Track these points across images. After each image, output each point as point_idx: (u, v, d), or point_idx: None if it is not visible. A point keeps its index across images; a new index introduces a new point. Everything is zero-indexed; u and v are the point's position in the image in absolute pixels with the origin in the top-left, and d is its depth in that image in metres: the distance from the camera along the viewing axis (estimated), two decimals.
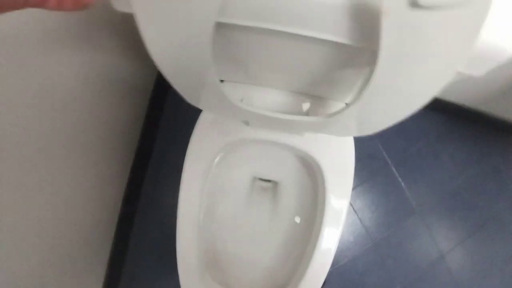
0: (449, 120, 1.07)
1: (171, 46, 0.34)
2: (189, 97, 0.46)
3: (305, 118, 0.47)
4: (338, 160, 0.60)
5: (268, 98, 0.59)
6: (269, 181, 0.80)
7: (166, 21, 0.31)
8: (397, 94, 0.35)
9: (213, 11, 0.29)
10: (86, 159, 0.69)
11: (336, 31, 0.32)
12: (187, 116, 0.70)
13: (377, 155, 1.04)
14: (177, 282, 0.56)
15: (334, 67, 0.45)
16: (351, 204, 0.98)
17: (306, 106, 0.60)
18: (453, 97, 0.95)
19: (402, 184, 1.03)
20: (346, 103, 0.61)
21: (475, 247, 1.03)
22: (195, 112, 0.58)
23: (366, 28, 0.31)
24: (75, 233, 0.71)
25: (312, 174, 0.67)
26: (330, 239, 0.58)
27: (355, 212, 1.01)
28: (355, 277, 0.98)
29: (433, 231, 1.02)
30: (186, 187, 0.60)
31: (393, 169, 1.03)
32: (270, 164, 0.74)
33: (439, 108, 1.02)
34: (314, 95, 0.60)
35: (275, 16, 0.31)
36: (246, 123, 0.59)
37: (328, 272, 0.57)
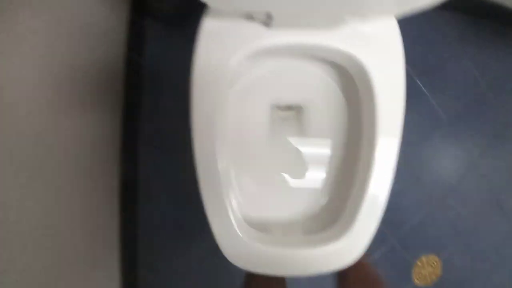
0: (467, 19, 0.95)
1: None
2: None
3: None
4: (386, 64, 0.48)
5: None
6: (290, 109, 0.68)
7: None
8: None
9: None
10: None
11: None
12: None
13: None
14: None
15: None
16: None
17: None
18: None
19: (428, 94, 0.93)
20: None
21: (503, 150, 0.98)
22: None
23: None
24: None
25: (350, 87, 0.54)
26: (386, 163, 0.48)
27: None
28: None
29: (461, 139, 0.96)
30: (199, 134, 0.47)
31: (417, 80, 0.93)
32: (292, 84, 0.61)
33: (456, 7, 0.89)
34: None
35: None
36: (267, 21, 0.44)
37: None
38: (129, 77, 0.79)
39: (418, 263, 1.01)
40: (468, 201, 0.99)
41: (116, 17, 0.73)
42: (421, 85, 0.93)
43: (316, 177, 0.60)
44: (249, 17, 0.45)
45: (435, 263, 1.02)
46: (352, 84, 0.53)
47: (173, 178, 0.85)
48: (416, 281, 1.01)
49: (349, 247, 0.49)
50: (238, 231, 0.48)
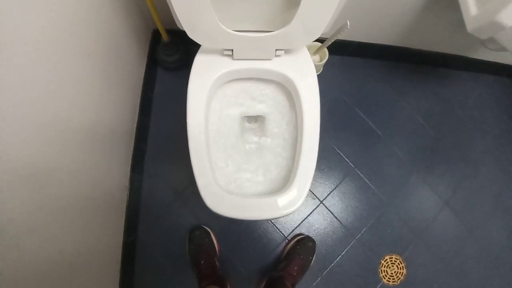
0: (387, 63, 1.32)
1: None
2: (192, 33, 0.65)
3: (275, 32, 0.67)
4: (305, 75, 0.79)
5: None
6: (256, 121, 0.97)
7: None
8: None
9: None
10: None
11: None
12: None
13: (338, 99, 1.26)
14: None
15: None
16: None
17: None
18: (383, 40, 1.21)
19: (364, 117, 1.25)
20: None
21: (434, 155, 1.25)
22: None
23: None
24: None
25: (290, 97, 0.85)
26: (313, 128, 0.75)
27: (335, 147, 1.21)
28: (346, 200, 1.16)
29: (398, 151, 1.24)
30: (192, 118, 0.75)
31: (355, 107, 1.26)
32: (254, 101, 0.91)
33: (376, 55, 1.28)
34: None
35: None
36: (231, 55, 0.77)
37: None
38: (143, 107, 1.11)
39: (383, 262, 1.17)
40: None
41: (139, 67, 1.09)
42: (358, 111, 1.25)
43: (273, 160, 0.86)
44: (222, 53, 0.78)
45: (400, 262, 1.18)
46: (290, 95, 0.84)
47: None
48: (384, 280, 1.16)
49: (292, 196, 0.72)
50: (216, 185, 0.72)
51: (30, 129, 0.56)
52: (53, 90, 0.61)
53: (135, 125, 1.08)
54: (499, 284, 1.17)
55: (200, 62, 0.79)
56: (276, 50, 0.76)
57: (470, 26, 0.83)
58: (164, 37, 1.10)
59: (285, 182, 0.80)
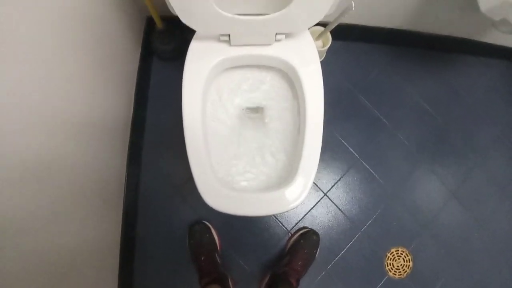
0: (394, 48, 1.26)
1: None
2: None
3: (275, 14, 0.62)
4: (308, 61, 0.74)
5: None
6: (257, 112, 0.93)
7: None
8: None
9: None
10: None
11: None
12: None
13: (342, 87, 1.21)
14: None
15: None
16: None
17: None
18: (390, 24, 1.15)
19: (369, 105, 1.20)
20: None
21: (441, 144, 1.21)
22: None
23: None
24: None
25: (292, 85, 0.80)
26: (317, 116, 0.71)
27: (339, 137, 1.17)
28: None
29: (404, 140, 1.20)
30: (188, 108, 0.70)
31: (360, 95, 1.20)
32: (255, 90, 0.87)
33: (382, 40, 1.22)
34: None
35: None
36: (228, 41, 0.71)
37: None
38: (139, 99, 1.06)
39: (389, 255, 1.14)
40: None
41: (133, 57, 1.04)
42: (363, 99, 1.20)
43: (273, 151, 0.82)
44: (218, 39, 0.73)
45: (406, 255, 1.15)
46: (292, 82, 0.79)
47: None
48: (390, 274, 1.13)
49: (298, 188, 0.69)
50: (214, 180, 0.68)
51: (21, 123, 0.53)
52: (41, 80, 0.57)
53: (131, 117, 1.04)
54: (509, 275, 1.14)
55: (195, 49, 0.74)
56: (276, 34, 0.71)
57: (483, 6, 0.78)
58: (159, 24, 1.05)
59: (287, 174, 0.76)
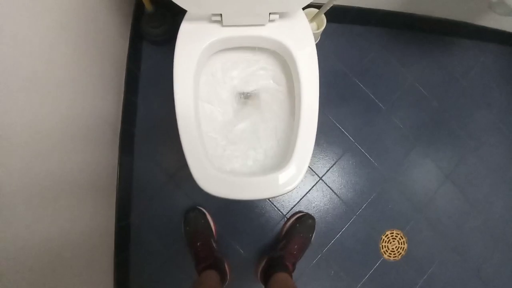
0: (389, 31, 1.24)
1: None
2: None
3: None
4: (303, 42, 0.72)
5: None
6: (251, 98, 0.91)
7: None
8: None
9: None
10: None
11: None
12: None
13: (337, 70, 1.19)
14: None
15: None
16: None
17: None
18: (385, 5, 1.12)
19: (365, 89, 1.19)
20: None
21: (436, 128, 1.21)
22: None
23: None
24: None
25: (285, 67, 0.78)
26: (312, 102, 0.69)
27: (334, 121, 1.16)
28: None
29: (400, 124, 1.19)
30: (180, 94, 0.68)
31: (355, 79, 1.19)
32: (248, 75, 0.84)
33: (377, 22, 1.20)
34: None
35: None
36: (220, 21, 0.69)
37: None
38: (129, 85, 1.03)
39: (384, 237, 1.15)
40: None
41: (122, 42, 1.00)
42: (359, 82, 1.19)
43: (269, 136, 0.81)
44: (209, 19, 0.70)
45: (401, 237, 1.16)
46: (286, 65, 0.77)
47: None
48: (385, 256, 1.14)
49: (293, 172, 0.68)
50: (208, 165, 0.67)
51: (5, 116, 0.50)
52: (24, 66, 0.54)
53: (121, 105, 1.01)
54: (501, 258, 1.16)
55: (186, 31, 0.71)
56: (270, 14, 0.68)
57: None
58: (148, 6, 1.01)
59: (282, 158, 0.76)
